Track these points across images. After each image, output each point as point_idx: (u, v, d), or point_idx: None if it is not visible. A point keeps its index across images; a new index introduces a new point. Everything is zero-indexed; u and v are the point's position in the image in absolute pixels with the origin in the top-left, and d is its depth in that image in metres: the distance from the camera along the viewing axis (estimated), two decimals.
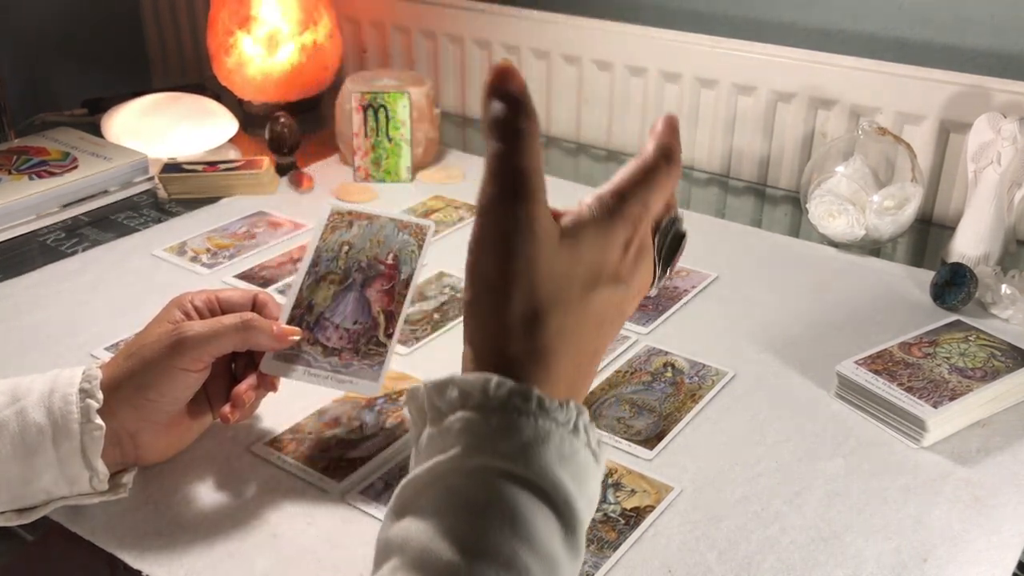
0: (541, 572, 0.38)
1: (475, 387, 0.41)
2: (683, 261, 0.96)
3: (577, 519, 0.41)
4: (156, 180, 1.16)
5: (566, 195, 1.18)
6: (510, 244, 0.42)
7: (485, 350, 0.43)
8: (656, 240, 0.50)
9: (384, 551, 0.40)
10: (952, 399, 0.71)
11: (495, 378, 0.41)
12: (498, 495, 0.39)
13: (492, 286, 0.42)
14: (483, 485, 0.40)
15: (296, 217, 1.08)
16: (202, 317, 0.66)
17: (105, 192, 1.13)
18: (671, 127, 0.48)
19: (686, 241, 0.51)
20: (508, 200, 0.42)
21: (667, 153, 0.47)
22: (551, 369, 0.43)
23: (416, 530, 0.39)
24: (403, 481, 0.42)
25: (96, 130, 1.26)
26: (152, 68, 1.80)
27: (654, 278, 0.50)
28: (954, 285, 0.88)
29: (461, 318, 0.86)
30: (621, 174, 0.47)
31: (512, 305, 0.42)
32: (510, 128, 0.42)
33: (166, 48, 1.76)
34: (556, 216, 0.45)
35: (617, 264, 0.45)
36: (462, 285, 0.92)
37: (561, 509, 0.40)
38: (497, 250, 0.42)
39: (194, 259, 0.98)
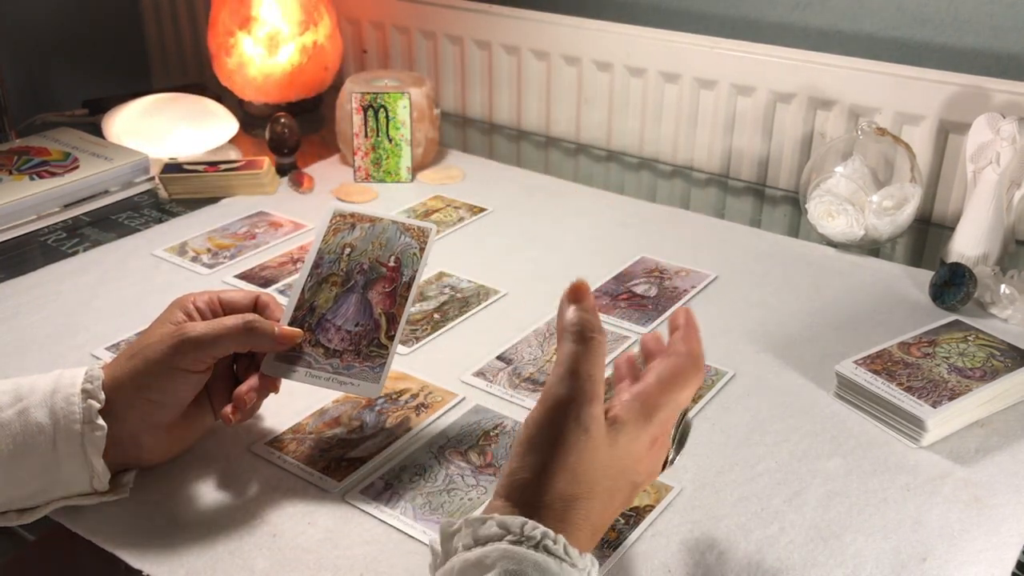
0: None
1: (514, 524, 0.47)
2: (683, 261, 0.97)
3: None
4: (157, 180, 1.16)
5: (566, 195, 1.18)
6: (568, 441, 0.50)
7: (522, 510, 0.49)
8: (673, 429, 0.57)
9: None
10: (951, 399, 0.71)
11: (531, 521, 0.47)
12: None
13: (543, 467, 0.49)
14: None
15: (297, 217, 1.08)
16: (204, 318, 0.66)
17: (106, 192, 1.13)
18: (694, 326, 0.56)
19: (691, 430, 0.57)
20: (577, 401, 0.50)
21: (697, 358, 0.55)
22: (573, 532, 0.49)
23: None
24: None
25: (97, 130, 1.26)
26: (153, 68, 1.80)
27: (665, 462, 0.57)
28: (953, 285, 0.88)
29: (461, 318, 0.87)
30: (658, 374, 0.53)
31: (554, 487, 0.49)
32: (587, 334, 0.51)
33: (166, 48, 1.76)
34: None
35: (644, 460, 0.53)
36: (462, 285, 0.92)
37: None
38: (556, 441, 0.50)
39: (195, 259, 0.99)
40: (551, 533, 0.47)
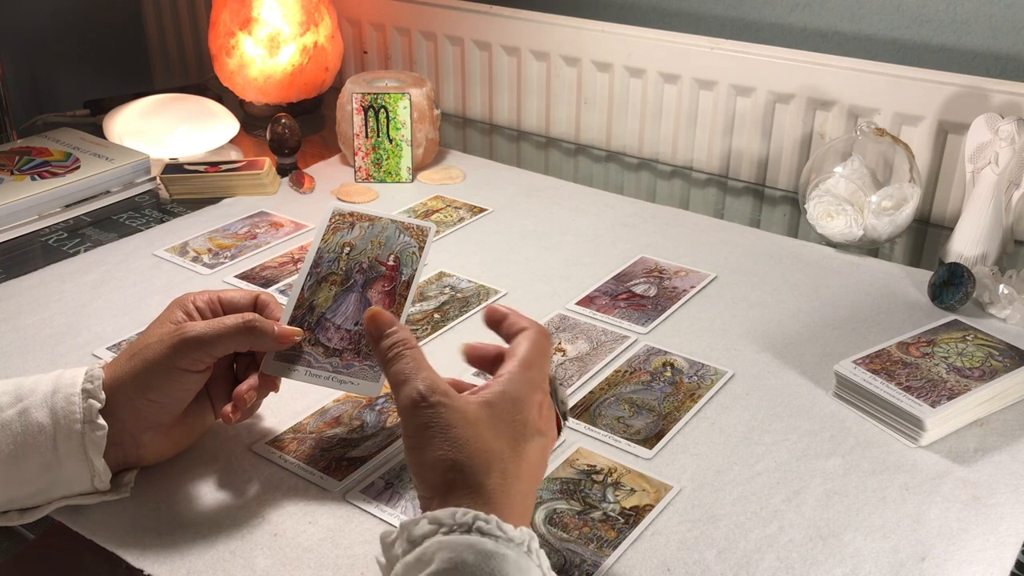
0: None
1: (445, 515, 0.49)
2: (682, 261, 0.97)
3: None
4: (158, 181, 1.16)
5: (566, 195, 1.18)
6: (438, 422, 0.53)
7: (449, 502, 0.51)
8: (551, 395, 0.60)
9: None
10: (950, 398, 0.71)
11: (460, 508, 0.49)
12: None
13: (436, 462, 0.52)
14: None
15: (297, 217, 1.08)
16: (204, 318, 0.66)
17: (107, 192, 1.14)
18: (511, 310, 0.61)
19: (565, 392, 0.60)
20: (422, 402, 0.53)
21: (539, 325, 0.59)
22: (503, 509, 0.51)
23: None
24: None
25: (98, 131, 1.26)
26: (154, 69, 1.81)
27: (559, 426, 0.61)
28: (952, 285, 0.88)
29: (461, 318, 0.87)
30: (523, 350, 0.57)
31: (462, 474, 0.51)
32: (400, 350, 0.57)
33: (168, 49, 1.77)
34: (463, 389, 0.58)
35: (537, 421, 0.55)
36: (462, 285, 0.92)
37: None
38: (431, 440, 0.52)
39: (196, 259, 0.99)
40: (482, 515, 0.48)
